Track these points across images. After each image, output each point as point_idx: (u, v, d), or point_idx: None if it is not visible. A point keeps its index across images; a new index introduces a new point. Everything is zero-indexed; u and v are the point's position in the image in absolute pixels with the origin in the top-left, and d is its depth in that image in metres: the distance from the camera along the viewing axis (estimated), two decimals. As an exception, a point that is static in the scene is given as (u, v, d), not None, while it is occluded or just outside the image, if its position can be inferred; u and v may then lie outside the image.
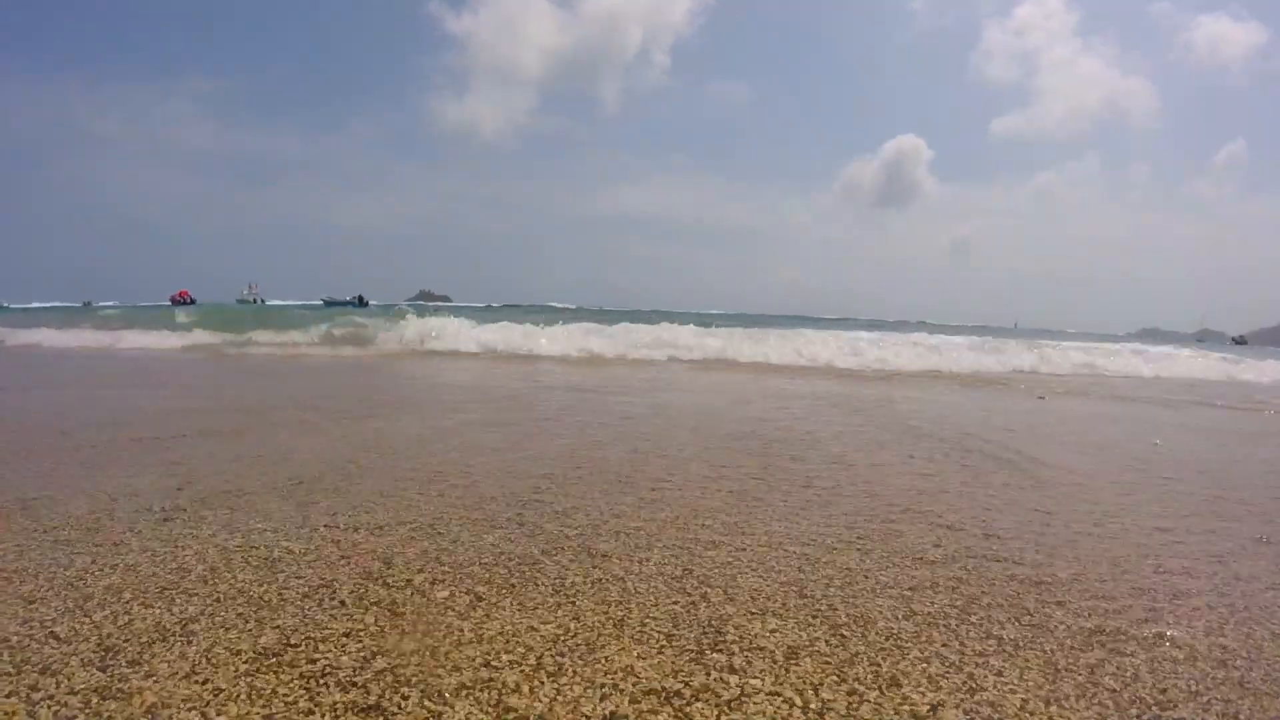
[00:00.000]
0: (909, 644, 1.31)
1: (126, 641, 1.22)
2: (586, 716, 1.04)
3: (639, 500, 2.27)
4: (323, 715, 1.03)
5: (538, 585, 1.53)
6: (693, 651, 1.25)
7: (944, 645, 1.31)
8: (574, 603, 1.44)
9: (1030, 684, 1.19)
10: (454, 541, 1.80)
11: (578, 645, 1.26)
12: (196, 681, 1.10)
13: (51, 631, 1.25)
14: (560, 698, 1.09)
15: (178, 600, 1.39)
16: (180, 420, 3.57)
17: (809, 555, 1.78)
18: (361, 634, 1.27)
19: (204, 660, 1.17)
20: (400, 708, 1.05)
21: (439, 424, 3.65)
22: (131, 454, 2.75)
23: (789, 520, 2.09)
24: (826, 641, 1.31)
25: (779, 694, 1.12)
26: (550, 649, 1.24)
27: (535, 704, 1.07)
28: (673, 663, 1.21)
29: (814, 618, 1.41)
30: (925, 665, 1.23)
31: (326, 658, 1.19)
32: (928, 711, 1.09)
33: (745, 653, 1.25)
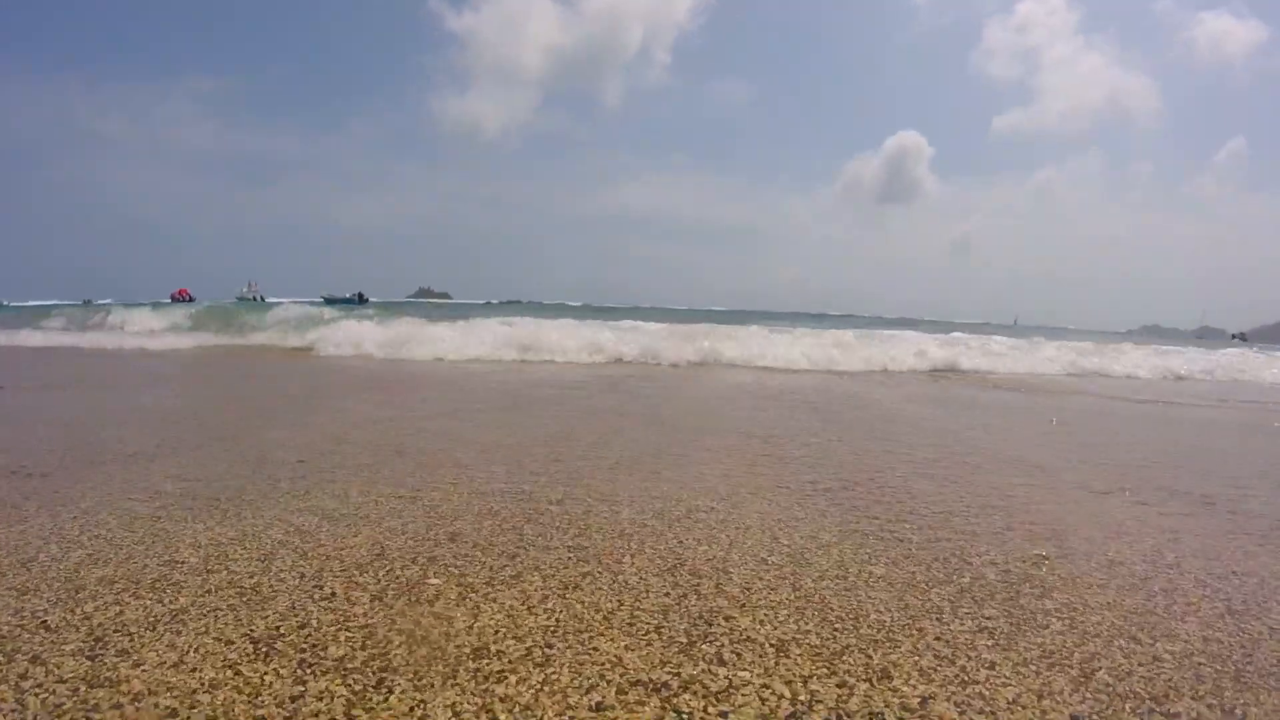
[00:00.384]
0: (900, 636, 1.30)
1: (116, 631, 1.22)
2: (573, 706, 1.04)
3: (630, 493, 2.27)
4: (312, 702, 1.02)
5: (528, 577, 1.53)
6: (682, 643, 1.24)
7: (936, 638, 1.30)
8: (563, 595, 1.44)
9: (1023, 676, 1.18)
10: (445, 533, 1.80)
11: (566, 636, 1.25)
12: (185, 670, 1.10)
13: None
14: (547, 687, 1.08)
15: (168, 591, 1.40)
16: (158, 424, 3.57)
17: (801, 549, 1.78)
18: (351, 624, 1.27)
19: (192, 650, 1.17)
20: (387, 696, 1.04)
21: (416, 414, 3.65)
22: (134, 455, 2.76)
23: (781, 514, 2.09)
24: (817, 634, 1.30)
25: (768, 686, 1.12)
26: (539, 640, 1.24)
27: (522, 693, 1.07)
28: (661, 654, 1.20)
29: (805, 611, 1.40)
30: (916, 658, 1.22)
31: (316, 647, 1.18)
32: (918, 704, 1.08)
33: (735, 645, 1.24)
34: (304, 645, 1.19)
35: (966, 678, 1.16)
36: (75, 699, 1.02)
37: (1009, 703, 1.10)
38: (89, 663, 1.12)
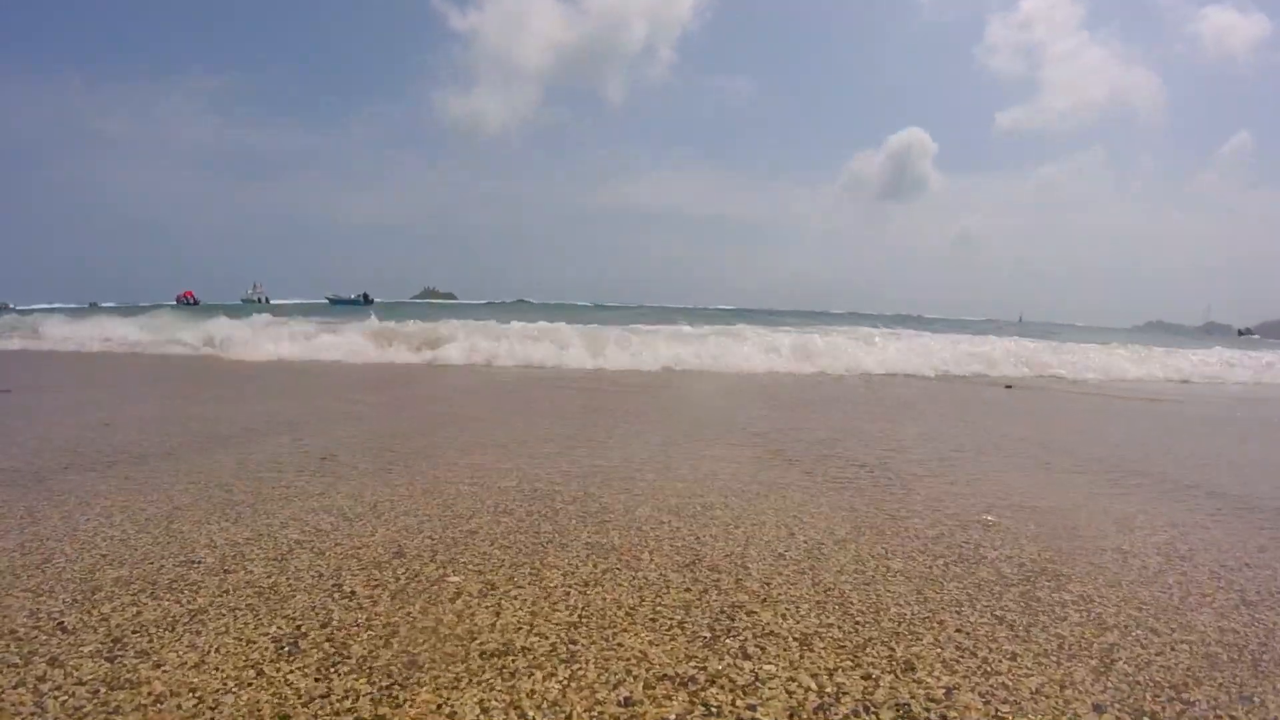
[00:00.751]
0: (921, 629, 1.30)
1: (135, 633, 1.22)
2: (601, 702, 1.03)
3: (647, 489, 2.26)
4: (337, 701, 1.02)
5: (549, 574, 1.52)
6: (705, 638, 1.24)
7: (957, 630, 1.30)
8: (584, 591, 1.43)
9: (1044, 666, 1.18)
10: (464, 531, 1.80)
11: (590, 632, 1.25)
12: (207, 670, 1.09)
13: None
14: (574, 683, 1.08)
15: (186, 592, 1.39)
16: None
17: (820, 543, 1.78)
18: (373, 623, 1.27)
19: (213, 650, 1.16)
20: (414, 694, 1.04)
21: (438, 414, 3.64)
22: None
23: (799, 508, 2.09)
24: (839, 628, 1.30)
25: (794, 679, 1.11)
26: (563, 636, 1.23)
27: (550, 689, 1.06)
28: (686, 649, 1.20)
29: (826, 605, 1.40)
30: (939, 650, 1.22)
31: (339, 646, 1.18)
32: (943, 694, 1.08)
33: (758, 639, 1.24)
34: (326, 644, 1.19)
35: (989, 669, 1.16)
36: (96, 701, 1.01)
37: (1032, 693, 1.10)
38: (108, 664, 1.11)
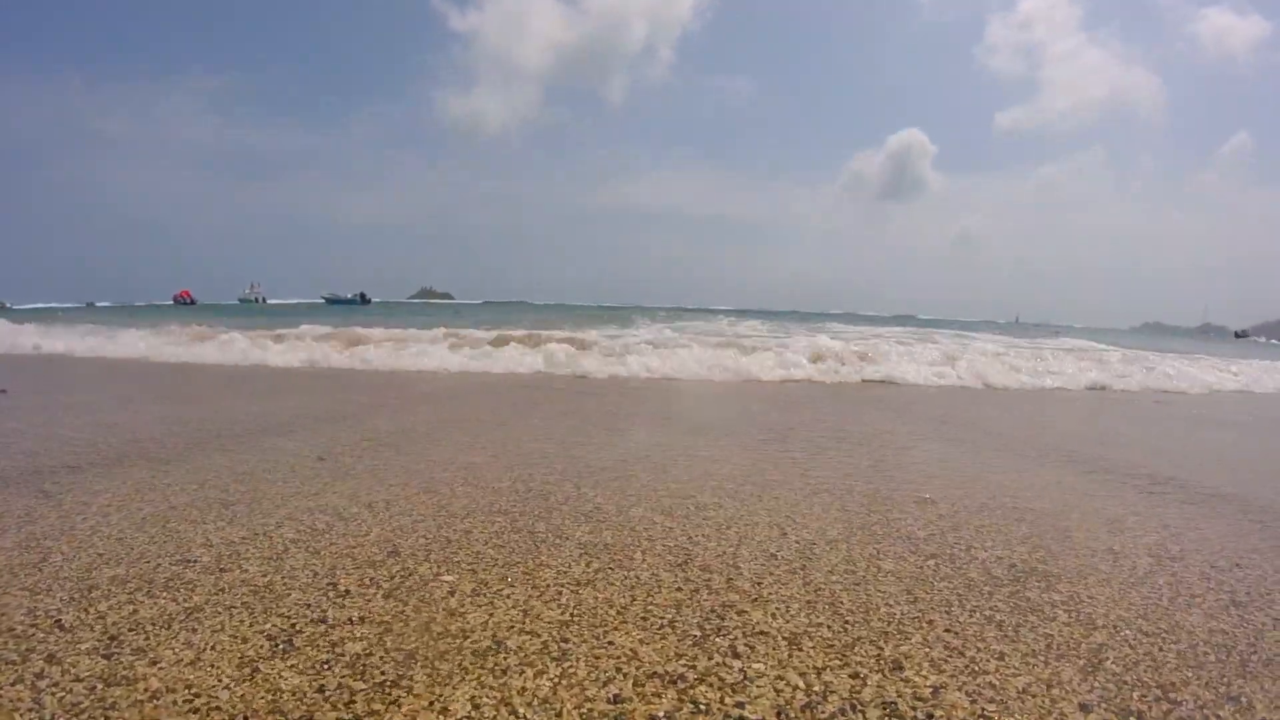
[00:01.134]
0: (910, 629, 1.31)
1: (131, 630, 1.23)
2: (591, 699, 1.05)
3: (640, 490, 2.28)
4: (332, 697, 1.03)
5: (542, 573, 1.54)
6: (695, 637, 1.25)
7: (945, 630, 1.31)
8: (576, 590, 1.45)
9: (1031, 666, 1.19)
10: (458, 531, 1.81)
11: (581, 631, 1.26)
12: (203, 668, 1.11)
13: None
14: (565, 680, 1.09)
15: (182, 590, 1.40)
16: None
17: (811, 543, 1.79)
18: (367, 620, 1.28)
19: (209, 648, 1.17)
20: (408, 690, 1.05)
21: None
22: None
23: (792, 508, 2.10)
24: (829, 627, 1.31)
25: (782, 678, 1.13)
26: (554, 634, 1.25)
27: (541, 686, 1.08)
28: (676, 648, 1.21)
29: (815, 604, 1.41)
30: (927, 649, 1.24)
31: (333, 644, 1.19)
32: (930, 693, 1.09)
33: (748, 638, 1.26)
34: (321, 642, 1.20)
35: (977, 668, 1.18)
36: (93, 697, 1.02)
37: (1019, 692, 1.11)
38: (105, 661, 1.12)
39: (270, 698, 1.03)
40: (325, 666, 1.12)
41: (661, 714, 1.01)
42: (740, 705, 1.04)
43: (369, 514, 1.95)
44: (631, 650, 1.20)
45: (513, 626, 1.27)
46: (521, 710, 1.01)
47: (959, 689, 1.11)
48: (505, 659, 1.15)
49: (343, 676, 1.09)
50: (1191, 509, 2.32)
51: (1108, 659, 1.23)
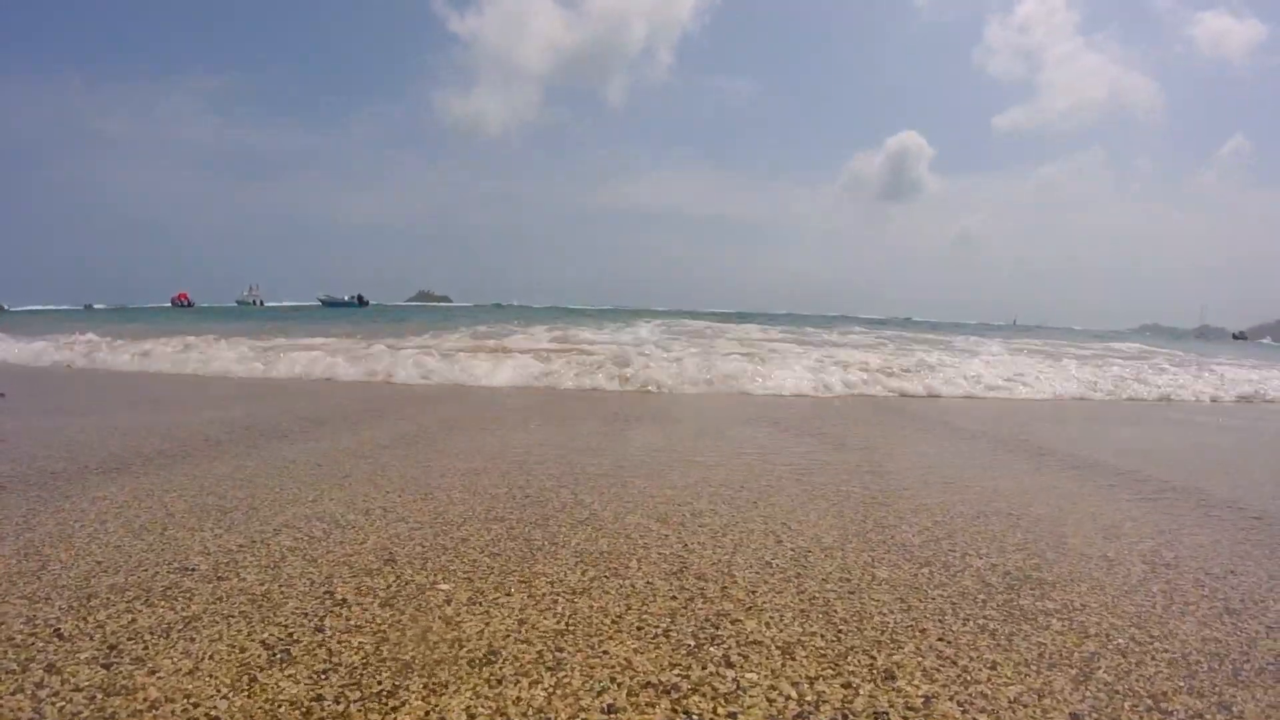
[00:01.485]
0: (904, 638, 1.32)
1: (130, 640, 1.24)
2: (585, 709, 1.06)
3: (637, 496, 2.29)
4: (330, 706, 1.04)
5: (538, 582, 1.54)
6: (689, 646, 1.26)
7: (939, 639, 1.32)
8: (572, 599, 1.46)
9: (1024, 675, 1.20)
10: (455, 539, 1.82)
11: (576, 640, 1.27)
12: (201, 677, 1.11)
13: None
14: (559, 690, 1.10)
15: (180, 599, 1.41)
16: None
17: (806, 551, 1.80)
18: (364, 629, 1.29)
19: (207, 657, 1.18)
20: (405, 700, 1.06)
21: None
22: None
23: (788, 516, 2.11)
24: (822, 636, 1.32)
25: (775, 687, 1.13)
26: (550, 643, 1.26)
27: (535, 695, 1.08)
28: (670, 657, 1.22)
29: (809, 613, 1.42)
30: (920, 659, 1.24)
31: (331, 653, 1.20)
32: (922, 703, 1.10)
33: (742, 647, 1.26)
34: (318, 651, 1.21)
35: (969, 678, 1.19)
36: (92, 707, 1.03)
37: (1010, 701, 1.12)
38: (104, 671, 1.13)
39: (268, 708, 1.04)
40: (323, 676, 1.13)
41: (654, 724, 1.02)
42: (733, 715, 1.05)
43: (365, 521, 1.96)
44: (626, 660, 1.20)
45: (508, 635, 1.28)
46: (516, 720, 1.02)
47: (950, 699, 1.12)
48: (501, 668, 1.16)
49: (340, 686, 1.10)
50: (1186, 514, 2.33)
51: (1100, 668, 1.24)
